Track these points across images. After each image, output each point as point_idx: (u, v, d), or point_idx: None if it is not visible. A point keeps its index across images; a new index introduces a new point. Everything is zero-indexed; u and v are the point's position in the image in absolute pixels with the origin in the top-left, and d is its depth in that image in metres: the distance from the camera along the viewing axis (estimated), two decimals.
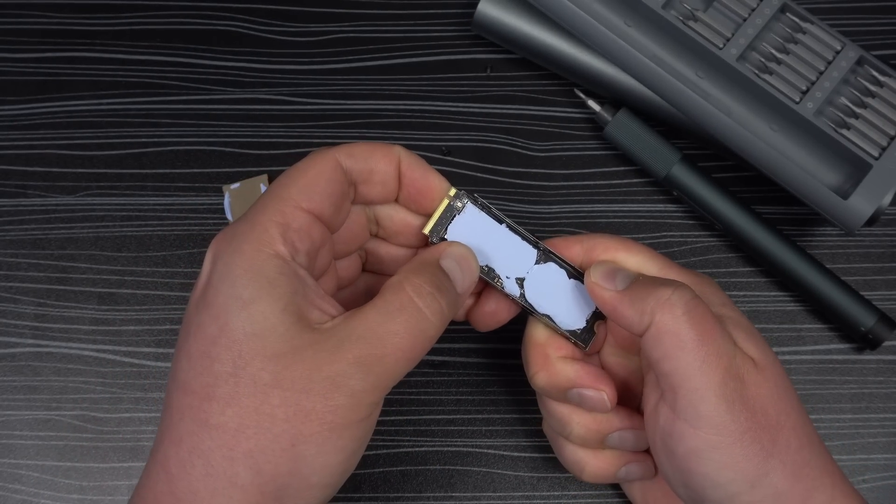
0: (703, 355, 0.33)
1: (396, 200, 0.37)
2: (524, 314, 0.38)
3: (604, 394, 0.37)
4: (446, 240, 0.37)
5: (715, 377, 0.33)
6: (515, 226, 0.37)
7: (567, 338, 0.38)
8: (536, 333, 0.39)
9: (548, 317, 0.38)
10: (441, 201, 0.37)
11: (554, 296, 0.38)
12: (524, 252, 0.37)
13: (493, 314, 0.38)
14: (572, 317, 0.38)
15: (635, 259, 0.38)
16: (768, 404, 0.33)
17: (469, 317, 0.39)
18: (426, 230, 0.37)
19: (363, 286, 0.40)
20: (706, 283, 0.38)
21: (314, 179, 0.34)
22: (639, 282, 0.35)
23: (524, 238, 0.37)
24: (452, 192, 0.37)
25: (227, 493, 0.30)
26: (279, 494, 0.30)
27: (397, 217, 0.38)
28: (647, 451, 0.39)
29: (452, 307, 0.34)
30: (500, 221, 0.37)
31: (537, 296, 0.38)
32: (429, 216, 0.37)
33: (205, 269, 0.33)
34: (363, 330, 0.31)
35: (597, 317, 0.38)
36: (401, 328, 0.32)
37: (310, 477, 0.30)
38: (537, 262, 0.37)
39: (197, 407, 0.30)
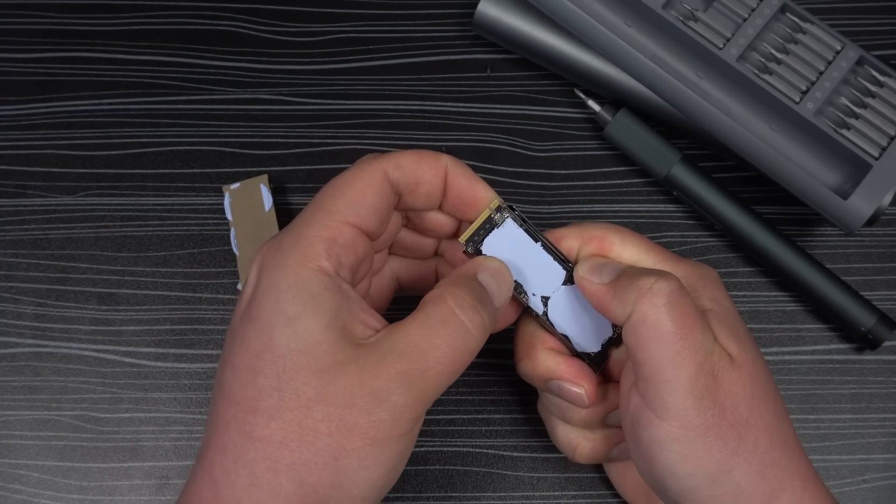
0: (679, 348, 0.33)
1: (439, 208, 0.37)
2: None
3: (583, 390, 0.37)
4: (481, 251, 0.37)
5: (687, 371, 0.33)
6: (550, 244, 0.37)
7: (581, 358, 0.38)
8: (528, 322, 0.39)
9: (565, 336, 0.38)
10: (482, 212, 0.37)
11: (575, 317, 0.38)
12: (553, 271, 0.37)
13: (502, 319, 0.38)
14: (588, 340, 0.38)
15: (629, 250, 0.38)
16: (740, 402, 0.33)
17: None
18: (462, 239, 0.37)
19: (389, 270, 0.40)
20: (703, 274, 0.37)
21: (362, 193, 0.34)
22: (625, 273, 0.35)
23: (556, 258, 0.37)
24: (495, 204, 0.37)
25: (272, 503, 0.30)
26: None
27: (430, 216, 0.38)
28: None
29: (492, 320, 0.34)
30: (536, 240, 0.37)
31: (559, 315, 0.38)
32: (468, 222, 0.37)
33: (250, 280, 0.33)
34: (405, 344, 0.31)
35: (612, 342, 0.38)
36: (442, 342, 0.32)
37: (351, 490, 0.31)
38: (564, 283, 0.37)
39: (242, 419, 0.31)
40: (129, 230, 0.48)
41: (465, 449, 0.45)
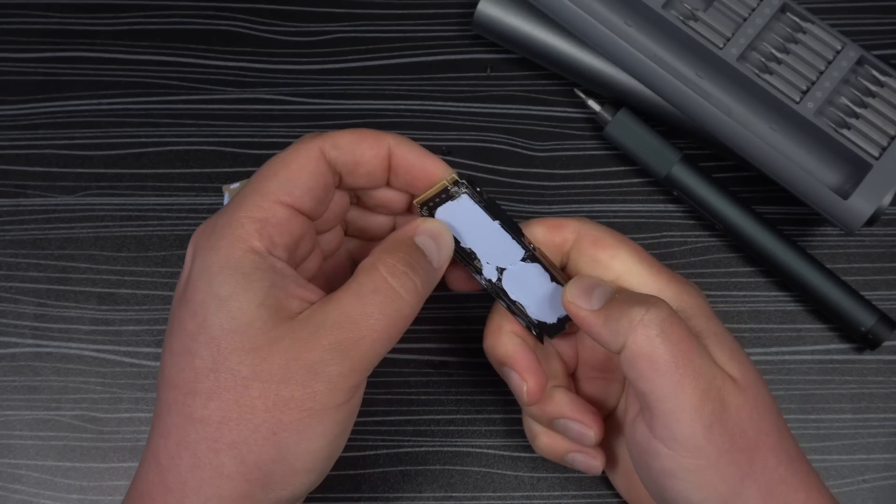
0: (678, 378, 0.32)
1: (388, 184, 0.37)
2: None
3: (525, 386, 0.36)
4: (435, 216, 0.36)
5: (691, 399, 0.32)
6: (511, 225, 0.37)
7: (528, 329, 0.37)
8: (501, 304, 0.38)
9: (518, 304, 0.37)
10: (440, 181, 0.36)
11: (530, 291, 0.37)
12: (511, 250, 0.37)
13: (468, 280, 0.38)
14: (543, 312, 0.37)
15: (622, 258, 0.37)
16: (748, 425, 0.33)
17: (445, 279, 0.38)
18: (417, 202, 0.36)
19: (345, 252, 0.40)
20: (692, 292, 0.37)
21: (296, 173, 0.34)
22: (615, 300, 0.34)
23: (515, 237, 0.37)
24: (452, 178, 0.36)
25: (215, 483, 0.30)
26: (265, 481, 0.31)
27: (378, 193, 0.38)
28: (599, 446, 0.39)
29: (428, 284, 0.34)
30: (494, 219, 0.37)
31: (513, 286, 0.37)
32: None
33: (186, 265, 0.33)
34: (338, 315, 0.31)
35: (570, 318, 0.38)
36: (375, 310, 0.32)
37: (294, 463, 0.31)
38: (522, 260, 0.37)
39: (182, 401, 0.31)
40: (129, 230, 0.48)
41: (465, 449, 0.45)
